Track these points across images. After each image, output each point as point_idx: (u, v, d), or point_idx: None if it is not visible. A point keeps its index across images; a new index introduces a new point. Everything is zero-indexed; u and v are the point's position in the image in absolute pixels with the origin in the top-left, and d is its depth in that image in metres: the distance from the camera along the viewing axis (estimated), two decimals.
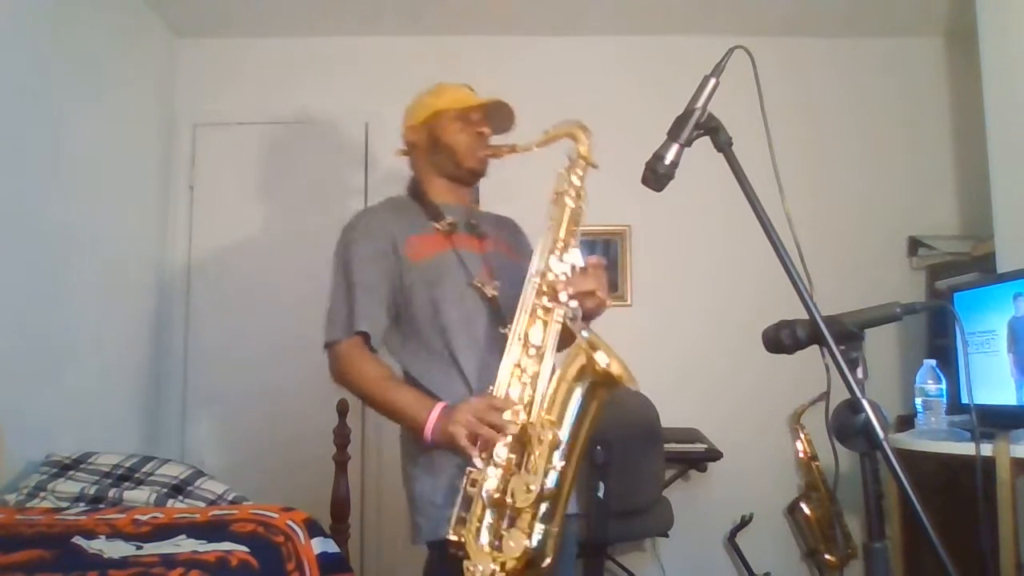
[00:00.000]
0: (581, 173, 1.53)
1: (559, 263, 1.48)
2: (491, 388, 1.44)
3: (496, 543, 1.35)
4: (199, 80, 3.56)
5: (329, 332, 1.59)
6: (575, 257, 1.49)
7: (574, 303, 1.46)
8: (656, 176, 1.23)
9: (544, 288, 1.47)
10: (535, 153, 1.58)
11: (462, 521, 1.38)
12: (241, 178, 3.51)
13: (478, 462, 1.38)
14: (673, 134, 1.22)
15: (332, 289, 1.63)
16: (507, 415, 1.40)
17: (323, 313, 1.63)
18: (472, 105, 1.68)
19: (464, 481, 1.40)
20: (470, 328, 1.58)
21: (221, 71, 3.57)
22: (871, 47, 3.55)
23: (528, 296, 1.48)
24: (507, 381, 1.44)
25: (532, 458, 1.36)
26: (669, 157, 1.21)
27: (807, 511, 3.25)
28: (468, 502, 1.39)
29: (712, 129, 1.21)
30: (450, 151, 1.68)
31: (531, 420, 1.40)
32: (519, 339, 1.46)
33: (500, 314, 1.56)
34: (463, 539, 1.36)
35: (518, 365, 1.45)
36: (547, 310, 1.47)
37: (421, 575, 1.57)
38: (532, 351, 1.45)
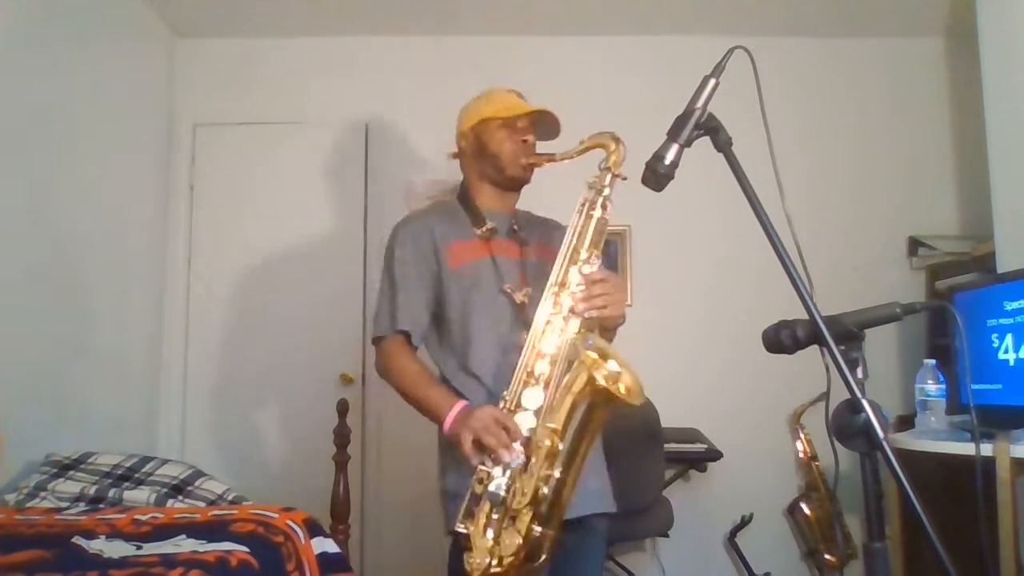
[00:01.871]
0: (608, 183, 1.54)
1: (577, 275, 1.51)
2: (504, 393, 1.49)
3: (496, 538, 1.40)
4: (199, 80, 3.56)
5: (375, 327, 1.71)
6: (593, 269, 1.52)
7: (591, 313, 1.49)
8: (656, 176, 1.23)
9: (559, 299, 1.51)
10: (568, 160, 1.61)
11: (470, 515, 1.44)
12: (241, 178, 3.51)
13: (480, 464, 1.44)
14: (673, 134, 1.22)
15: (379, 287, 1.73)
16: (517, 422, 1.44)
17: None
18: (517, 113, 1.71)
19: (474, 478, 1.45)
20: (494, 333, 1.64)
21: (221, 71, 3.57)
22: (871, 47, 3.55)
23: (544, 306, 1.51)
24: (518, 388, 1.48)
25: (532, 464, 1.40)
26: (669, 157, 1.22)
27: (807, 511, 3.25)
28: (478, 498, 1.45)
29: (712, 129, 1.21)
30: (495, 158, 1.72)
31: (535, 427, 1.43)
32: (533, 346, 1.49)
33: (526, 320, 1.59)
34: (468, 531, 1.42)
35: (531, 372, 1.48)
36: (561, 320, 1.49)
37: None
38: (545, 358, 1.48)
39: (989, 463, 2.03)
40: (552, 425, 1.41)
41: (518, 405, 1.47)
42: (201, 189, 3.52)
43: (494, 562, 1.39)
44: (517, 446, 1.41)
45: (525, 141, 1.71)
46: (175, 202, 3.49)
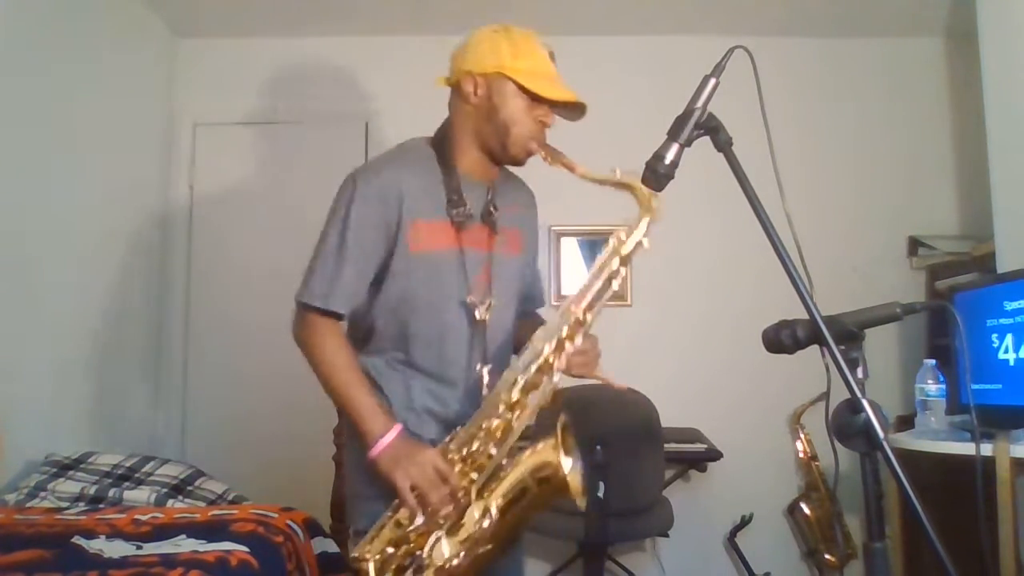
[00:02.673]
0: (632, 248, 1.36)
1: (571, 343, 1.36)
2: (450, 440, 1.38)
3: None
4: (199, 80, 3.56)
5: (306, 291, 1.47)
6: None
7: (557, 376, 1.36)
8: (656, 176, 1.23)
9: (544, 361, 1.36)
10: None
11: (371, 542, 1.34)
12: (241, 178, 3.51)
13: (410, 512, 1.34)
14: (673, 134, 1.22)
15: (322, 237, 1.48)
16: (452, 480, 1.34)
17: None
18: (552, 97, 1.48)
19: (388, 508, 1.36)
20: (439, 345, 1.47)
21: (221, 71, 3.57)
22: (871, 47, 3.55)
23: (526, 361, 1.36)
24: (470, 438, 1.36)
25: (461, 527, 1.32)
26: (669, 157, 1.22)
27: (807, 511, 3.25)
28: (383, 527, 1.35)
29: (712, 129, 1.21)
30: (503, 128, 1.48)
31: (474, 491, 1.33)
32: (501, 402, 1.35)
33: (483, 342, 1.47)
34: (365, 561, 1.32)
35: (485, 428, 1.35)
36: (536, 381, 1.36)
37: None
38: (506, 415, 1.35)
39: (989, 463, 2.03)
40: (495, 501, 1.32)
41: (462, 458, 1.35)
42: (201, 189, 3.52)
43: None
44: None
45: (543, 124, 1.50)
46: (175, 202, 3.49)
